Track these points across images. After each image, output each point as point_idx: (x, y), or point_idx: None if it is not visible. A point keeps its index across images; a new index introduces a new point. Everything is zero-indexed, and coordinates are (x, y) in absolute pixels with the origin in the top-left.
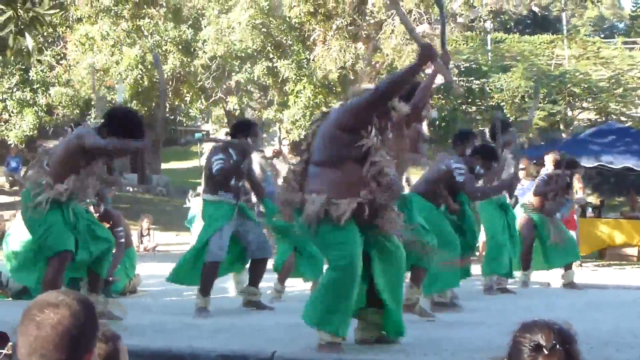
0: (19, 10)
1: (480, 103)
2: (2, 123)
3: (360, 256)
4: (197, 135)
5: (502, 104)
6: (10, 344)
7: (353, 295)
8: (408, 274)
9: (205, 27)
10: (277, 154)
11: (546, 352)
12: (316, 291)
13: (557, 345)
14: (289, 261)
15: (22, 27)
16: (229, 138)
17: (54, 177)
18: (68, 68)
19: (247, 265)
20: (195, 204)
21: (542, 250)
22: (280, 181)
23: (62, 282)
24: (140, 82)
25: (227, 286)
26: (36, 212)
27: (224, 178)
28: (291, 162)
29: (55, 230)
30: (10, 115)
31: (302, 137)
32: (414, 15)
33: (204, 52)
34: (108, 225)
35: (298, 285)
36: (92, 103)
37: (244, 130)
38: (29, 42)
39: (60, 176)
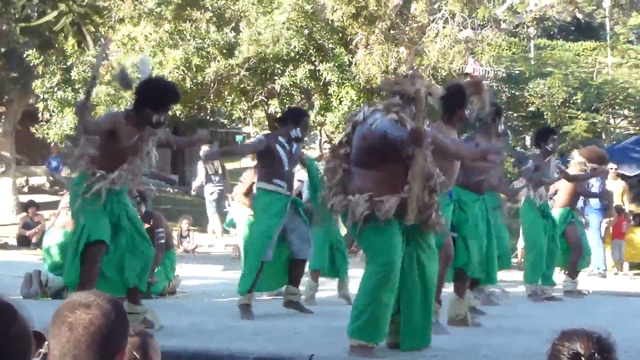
0: (73, 4)
1: (521, 110)
2: (44, 123)
3: (399, 264)
4: (238, 137)
5: (541, 109)
6: (47, 342)
7: (390, 301)
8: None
9: (243, 29)
10: (321, 157)
11: None
12: (356, 300)
13: (596, 354)
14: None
15: (76, 20)
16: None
17: (100, 167)
18: (110, 68)
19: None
20: (234, 209)
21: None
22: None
23: (97, 275)
24: (182, 83)
25: None
26: (92, 201)
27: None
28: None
29: (94, 219)
30: (51, 115)
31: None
32: (458, 19)
33: (239, 51)
34: (148, 226)
35: (334, 287)
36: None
37: (296, 120)
38: (86, 35)
39: (105, 165)
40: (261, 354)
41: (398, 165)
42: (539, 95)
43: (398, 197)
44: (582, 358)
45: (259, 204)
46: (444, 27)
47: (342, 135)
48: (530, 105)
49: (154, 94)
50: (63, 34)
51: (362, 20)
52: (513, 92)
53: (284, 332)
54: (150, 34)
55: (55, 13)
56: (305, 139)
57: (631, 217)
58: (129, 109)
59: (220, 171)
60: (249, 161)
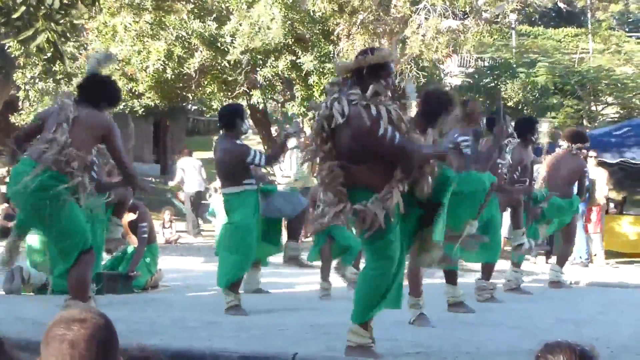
0: (50, 22)
1: (503, 100)
2: (23, 111)
3: (398, 257)
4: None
5: (519, 107)
6: None
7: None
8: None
9: (237, 22)
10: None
11: None
12: (358, 293)
13: None
14: (325, 251)
15: (53, 37)
16: None
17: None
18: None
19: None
20: (215, 200)
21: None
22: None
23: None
24: (162, 73)
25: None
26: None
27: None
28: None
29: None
30: (31, 105)
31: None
32: (439, 10)
33: (233, 47)
34: (133, 218)
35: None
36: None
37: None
38: (62, 52)
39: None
40: (245, 352)
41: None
42: (517, 92)
43: (398, 190)
44: None
45: (232, 206)
46: (426, 19)
47: (319, 131)
48: (510, 99)
49: (112, 90)
50: (39, 51)
51: (345, 13)
52: (495, 82)
53: (268, 328)
54: (130, 24)
55: (32, 31)
56: (287, 127)
57: (613, 205)
58: (88, 105)
59: None
60: None
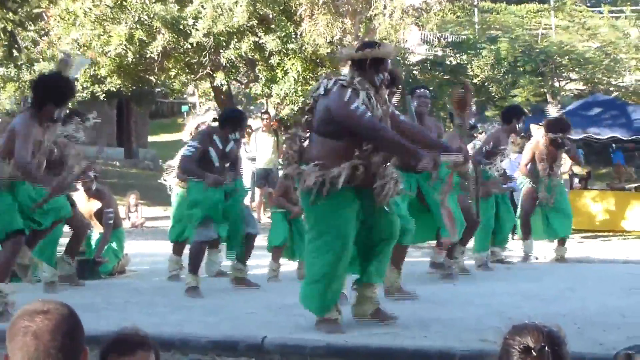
0: (7, 12)
1: (467, 78)
2: None
3: (353, 235)
4: (184, 107)
5: (486, 83)
6: None
7: (343, 275)
8: None
9: (199, 4)
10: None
11: (534, 354)
12: (309, 274)
13: (546, 347)
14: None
15: (10, 28)
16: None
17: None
18: (52, 44)
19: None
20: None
21: (543, 219)
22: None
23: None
24: (124, 56)
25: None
26: None
27: (182, 168)
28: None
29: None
30: None
31: (295, 111)
32: None
33: (196, 29)
34: (99, 205)
35: (289, 265)
36: (75, 77)
37: (235, 126)
38: (19, 41)
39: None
40: (214, 337)
41: (356, 137)
42: (482, 69)
43: (349, 165)
44: (533, 352)
45: (190, 196)
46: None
47: (305, 105)
48: (475, 77)
49: (59, 90)
50: None
51: None
52: (458, 60)
53: (237, 312)
54: (90, 8)
55: None
56: (252, 107)
57: (577, 180)
58: (30, 107)
59: None
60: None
